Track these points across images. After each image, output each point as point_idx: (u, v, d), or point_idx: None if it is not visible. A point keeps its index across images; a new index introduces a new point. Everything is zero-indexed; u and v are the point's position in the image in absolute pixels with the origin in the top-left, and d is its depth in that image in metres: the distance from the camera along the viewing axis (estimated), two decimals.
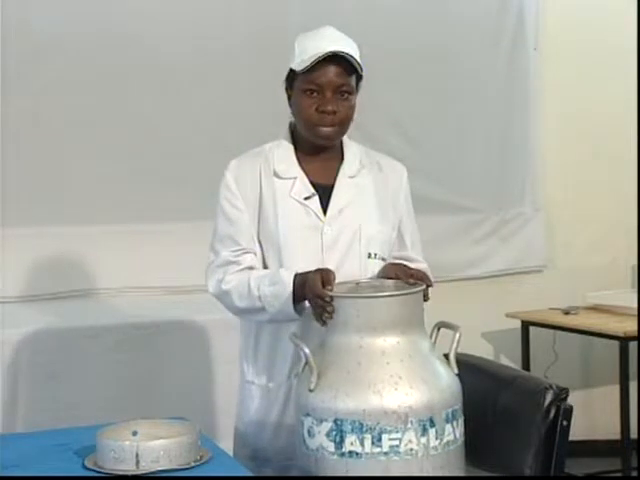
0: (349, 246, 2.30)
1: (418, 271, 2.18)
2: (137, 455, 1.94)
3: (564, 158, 4.68)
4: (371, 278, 2.25)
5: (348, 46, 2.26)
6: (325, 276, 2.07)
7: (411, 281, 2.11)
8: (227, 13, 4.01)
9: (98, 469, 1.97)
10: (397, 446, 1.91)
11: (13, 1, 3.68)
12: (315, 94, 2.25)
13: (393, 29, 4.22)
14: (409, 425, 1.91)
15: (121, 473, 1.94)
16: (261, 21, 4.05)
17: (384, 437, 1.90)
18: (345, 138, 2.39)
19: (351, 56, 2.24)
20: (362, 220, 2.32)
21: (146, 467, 1.94)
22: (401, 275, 2.17)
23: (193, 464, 1.98)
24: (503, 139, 4.61)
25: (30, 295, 3.73)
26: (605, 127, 4.69)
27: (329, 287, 2.05)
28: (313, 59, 2.22)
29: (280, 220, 2.28)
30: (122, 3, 3.86)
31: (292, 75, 2.30)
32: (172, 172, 3.92)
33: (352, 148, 2.40)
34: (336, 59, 2.23)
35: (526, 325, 4.38)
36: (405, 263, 2.28)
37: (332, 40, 2.26)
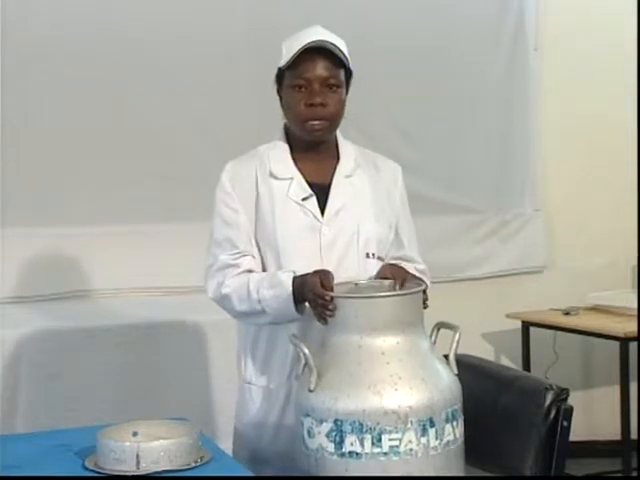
0: (347, 246, 2.29)
1: (414, 276, 2.19)
2: (137, 456, 1.94)
3: (564, 158, 4.68)
4: (370, 279, 2.24)
5: (333, 40, 2.27)
6: (324, 278, 2.08)
7: (407, 284, 2.11)
8: (227, 14, 4.01)
9: (98, 470, 1.97)
10: (397, 446, 1.91)
11: (13, 1, 3.68)
12: (303, 89, 2.25)
13: (393, 29, 4.22)
14: (409, 425, 1.91)
15: (121, 474, 1.93)
16: (260, 21, 4.05)
17: (384, 437, 1.90)
18: (340, 137, 2.39)
19: (336, 47, 2.24)
20: (360, 220, 2.32)
21: (146, 468, 1.94)
22: (396, 276, 2.17)
23: (193, 465, 1.98)
24: (503, 139, 4.61)
25: (30, 295, 3.72)
26: (605, 127, 4.69)
27: (329, 286, 2.05)
28: (296, 51, 2.23)
29: (278, 221, 2.28)
30: (122, 3, 3.86)
31: (280, 74, 2.31)
32: (171, 172, 3.91)
33: (347, 147, 2.39)
34: (322, 52, 2.24)
35: (526, 325, 4.38)
36: (402, 264, 2.28)
37: (316, 35, 2.27)
